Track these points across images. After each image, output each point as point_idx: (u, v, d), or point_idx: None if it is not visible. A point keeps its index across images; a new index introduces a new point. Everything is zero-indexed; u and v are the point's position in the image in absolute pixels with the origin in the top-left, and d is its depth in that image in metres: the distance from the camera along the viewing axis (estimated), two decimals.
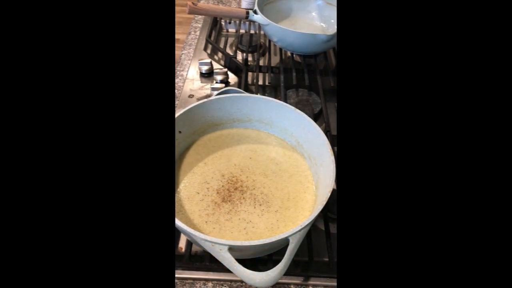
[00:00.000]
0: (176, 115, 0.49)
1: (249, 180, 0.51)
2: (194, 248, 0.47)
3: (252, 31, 0.91)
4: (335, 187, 0.49)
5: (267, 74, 0.75)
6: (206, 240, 0.36)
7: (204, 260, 0.46)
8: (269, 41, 0.83)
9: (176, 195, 0.49)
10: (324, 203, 0.40)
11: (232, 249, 0.36)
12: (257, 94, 0.67)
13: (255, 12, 0.74)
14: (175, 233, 0.49)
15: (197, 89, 0.72)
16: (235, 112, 0.56)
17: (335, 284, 0.45)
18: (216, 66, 0.77)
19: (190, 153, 0.55)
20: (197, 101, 0.52)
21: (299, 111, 0.51)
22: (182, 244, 0.48)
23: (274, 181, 0.51)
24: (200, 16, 0.94)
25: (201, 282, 0.45)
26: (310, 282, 0.45)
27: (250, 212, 0.47)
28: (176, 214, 0.46)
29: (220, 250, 0.36)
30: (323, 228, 0.49)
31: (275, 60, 0.82)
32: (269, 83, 0.73)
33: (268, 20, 0.72)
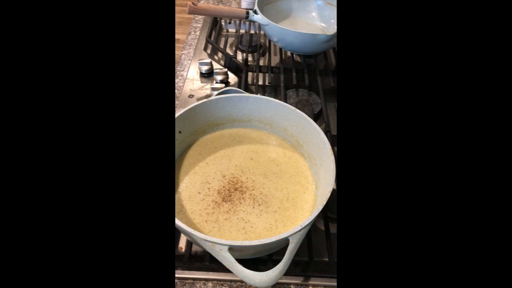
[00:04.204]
0: (176, 115, 0.49)
1: (248, 181, 0.51)
2: (194, 248, 0.48)
3: (252, 31, 0.91)
4: (335, 187, 0.49)
5: (267, 74, 0.75)
6: (206, 240, 0.36)
7: (204, 260, 0.46)
8: (269, 41, 0.83)
9: (177, 195, 0.49)
10: (324, 203, 0.40)
11: (232, 249, 0.36)
12: (257, 94, 0.67)
13: (255, 12, 0.74)
14: (175, 233, 0.49)
15: (197, 89, 0.72)
16: (235, 112, 0.56)
17: (335, 284, 0.45)
18: (216, 66, 0.77)
19: (191, 153, 0.55)
20: (197, 101, 0.52)
21: (299, 111, 0.51)
22: (182, 244, 0.48)
23: (273, 182, 0.51)
24: (200, 16, 0.94)
25: (201, 282, 0.45)
26: (310, 282, 0.45)
27: (248, 212, 0.47)
28: (176, 214, 0.46)
29: (220, 250, 0.36)
30: (323, 228, 0.49)
31: (275, 60, 0.82)
32: (269, 83, 0.73)
33: (268, 20, 0.72)
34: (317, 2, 0.88)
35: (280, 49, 0.82)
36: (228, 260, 0.36)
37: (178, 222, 0.37)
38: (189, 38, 0.87)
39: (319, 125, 0.49)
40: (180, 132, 0.51)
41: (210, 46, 0.84)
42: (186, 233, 0.39)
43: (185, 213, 0.47)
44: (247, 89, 0.72)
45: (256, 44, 0.84)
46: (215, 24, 0.90)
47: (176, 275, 0.45)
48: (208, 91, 0.72)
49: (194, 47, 0.84)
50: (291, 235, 0.37)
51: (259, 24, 0.76)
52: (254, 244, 0.36)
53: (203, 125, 0.56)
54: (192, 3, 0.70)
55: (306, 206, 0.48)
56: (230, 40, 0.88)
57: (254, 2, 0.78)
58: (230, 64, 0.77)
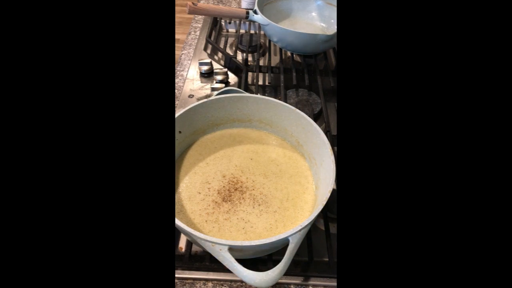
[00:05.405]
0: (176, 115, 0.49)
1: (248, 181, 0.51)
2: (194, 248, 0.47)
3: (252, 31, 0.91)
4: (335, 187, 0.49)
5: (267, 74, 0.75)
6: (206, 240, 0.36)
7: (204, 260, 0.46)
8: (269, 41, 0.83)
9: (177, 195, 0.49)
10: (324, 203, 0.40)
11: (232, 249, 0.36)
12: (257, 94, 0.67)
13: (255, 12, 0.74)
14: (175, 233, 0.49)
15: (197, 89, 0.72)
16: (235, 112, 0.56)
17: (335, 284, 0.45)
18: (216, 66, 0.77)
19: (191, 153, 0.55)
20: (197, 101, 0.52)
21: (299, 111, 0.51)
22: (182, 244, 0.48)
23: (273, 182, 0.51)
24: (200, 16, 0.94)
25: (201, 282, 0.45)
26: (310, 282, 0.45)
27: (248, 212, 0.47)
28: (176, 214, 0.46)
29: (220, 250, 0.36)
30: (323, 228, 0.49)
31: (275, 60, 0.82)
32: (269, 83, 0.73)
33: (268, 20, 0.72)
34: (317, 2, 0.88)
35: (280, 49, 0.82)
36: (228, 260, 0.36)
37: (178, 222, 0.37)
38: (189, 38, 0.87)
39: (319, 125, 0.49)
40: (180, 132, 0.51)
41: (210, 46, 0.84)
42: (186, 233, 0.39)
43: (185, 213, 0.47)
44: (247, 89, 0.72)
45: (256, 44, 0.84)
46: (215, 24, 0.90)
47: (176, 275, 0.45)
48: (208, 91, 0.72)
49: (194, 47, 0.84)
50: (291, 235, 0.37)
51: (259, 24, 0.76)
52: (254, 244, 0.36)
53: (203, 125, 0.56)
54: (192, 3, 0.70)
55: (306, 206, 0.48)
56: (230, 40, 0.88)
57: (254, 2, 0.78)
58: (230, 64, 0.77)
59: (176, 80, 0.74)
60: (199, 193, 0.49)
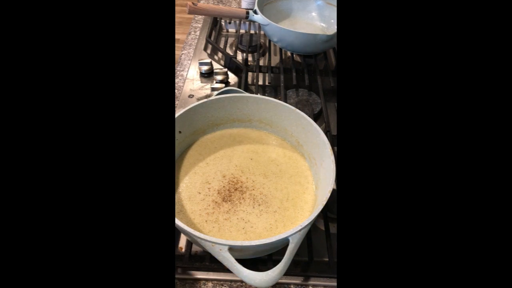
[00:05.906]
0: (176, 115, 0.49)
1: (249, 181, 0.51)
2: (194, 248, 0.48)
3: (252, 31, 0.91)
4: (335, 187, 0.49)
5: (267, 74, 0.75)
6: (206, 240, 0.36)
7: (204, 260, 0.46)
8: (269, 41, 0.83)
9: (177, 195, 0.49)
10: (324, 203, 0.40)
11: (232, 249, 0.36)
12: (257, 94, 0.67)
13: (255, 12, 0.74)
14: (175, 233, 0.49)
15: (197, 89, 0.72)
16: (235, 112, 0.56)
17: (335, 284, 0.45)
18: (216, 66, 0.77)
19: (191, 153, 0.55)
20: (197, 101, 0.52)
21: (299, 111, 0.51)
22: (182, 244, 0.48)
23: (273, 182, 0.51)
24: (200, 16, 0.94)
25: (201, 282, 0.45)
26: (310, 282, 0.45)
27: (248, 212, 0.47)
28: (176, 214, 0.46)
29: (220, 250, 0.36)
30: (323, 228, 0.49)
31: (275, 60, 0.82)
32: (269, 83, 0.73)
33: (268, 20, 0.72)
34: (317, 2, 0.88)
35: (280, 49, 0.82)
36: (228, 260, 0.36)
37: (178, 222, 0.37)
38: (189, 38, 0.87)
39: (319, 125, 0.49)
40: (180, 132, 0.51)
41: (210, 46, 0.84)
42: (186, 233, 0.39)
43: (185, 213, 0.47)
44: (247, 89, 0.72)
45: (256, 44, 0.84)
46: (215, 24, 0.90)
47: (176, 275, 0.45)
48: (208, 91, 0.72)
49: (194, 47, 0.84)
50: (291, 235, 0.37)
51: (259, 24, 0.76)
52: (254, 244, 0.36)
53: (203, 125, 0.56)
54: (192, 3, 0.70)
55: (306, 206, 0.48)
56: (230, 40, 0.88)
57: (254, 2, 0.78)
58: (230, 64, 0.77)
59: (176, 80, 0.74)
60: (199, 193, 0.49)
